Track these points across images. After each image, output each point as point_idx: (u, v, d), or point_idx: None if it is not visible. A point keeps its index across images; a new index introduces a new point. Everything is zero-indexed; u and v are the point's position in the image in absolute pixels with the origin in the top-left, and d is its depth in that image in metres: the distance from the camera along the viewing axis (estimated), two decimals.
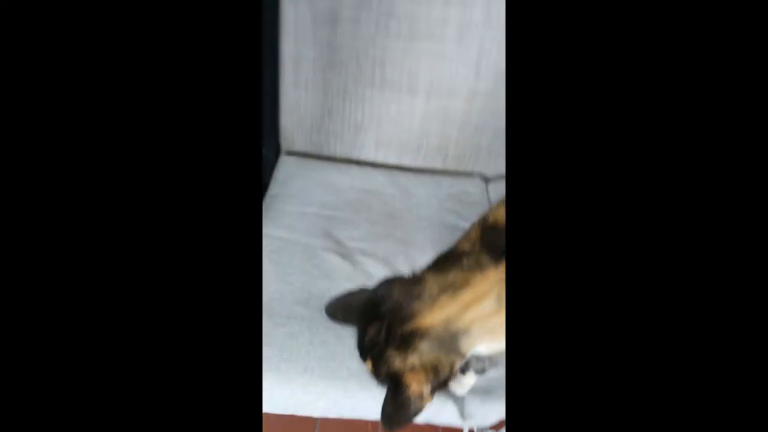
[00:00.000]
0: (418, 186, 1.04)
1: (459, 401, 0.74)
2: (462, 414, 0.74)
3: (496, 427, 0.79)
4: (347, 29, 0.92)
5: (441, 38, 0.95)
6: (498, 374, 0.74)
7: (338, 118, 1.03)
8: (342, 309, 0.63)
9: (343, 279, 0.83)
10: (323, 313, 0.66)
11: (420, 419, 0.74)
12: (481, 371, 0.70)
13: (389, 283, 0.58)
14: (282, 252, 0.86)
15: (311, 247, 0.88)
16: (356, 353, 0.60)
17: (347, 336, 0.75)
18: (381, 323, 0.55)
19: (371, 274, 0.85)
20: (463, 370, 0.72)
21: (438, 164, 1.08)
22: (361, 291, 0.62)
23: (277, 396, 0.72)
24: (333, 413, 0.75)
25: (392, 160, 1.08)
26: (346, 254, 0.88)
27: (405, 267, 0.86)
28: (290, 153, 1.09)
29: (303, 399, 0.72)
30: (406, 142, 1.05)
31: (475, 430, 0.78)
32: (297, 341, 0.74)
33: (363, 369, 0.65)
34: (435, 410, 0.74)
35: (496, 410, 0.73)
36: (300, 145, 1.08)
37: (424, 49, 0.95)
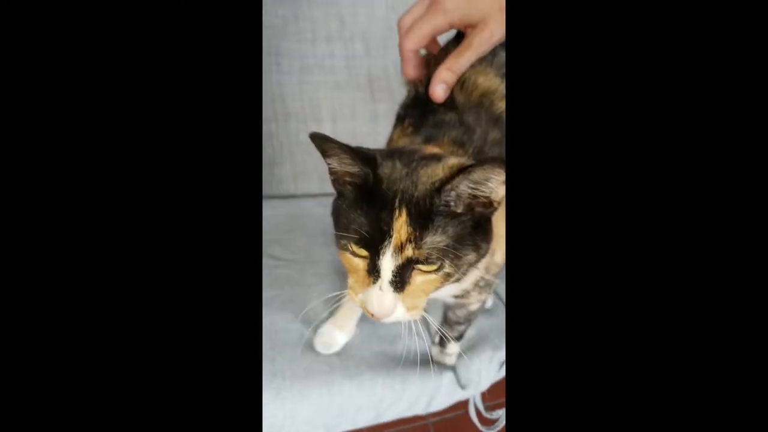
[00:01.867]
0: None
1: (454, 371, 0.66)
2: (460, 383, 0.66)
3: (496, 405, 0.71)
4: None
5: (332, 69, 1.04)
6: (474, 332, 0.70)
7: None
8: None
9: (292, 284, 0.75)
10: None
11: (425, 404, 0.64)
12: (458, 335, 0.64)
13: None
14: None
15: None
16: None
17: None
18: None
19: (322, 274, 0.78)
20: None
21: None
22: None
23: None
24: None
25: (314, 189, 1.06)
26: (286, 266, 0.80)
27: None
28: None
29: None
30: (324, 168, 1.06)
31: (477, 403, 0.68)
32: None
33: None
34: (434, 385, 0.65)
35: (486, 368, 0.67)
36: None
37: (319, 81, 1.03)
